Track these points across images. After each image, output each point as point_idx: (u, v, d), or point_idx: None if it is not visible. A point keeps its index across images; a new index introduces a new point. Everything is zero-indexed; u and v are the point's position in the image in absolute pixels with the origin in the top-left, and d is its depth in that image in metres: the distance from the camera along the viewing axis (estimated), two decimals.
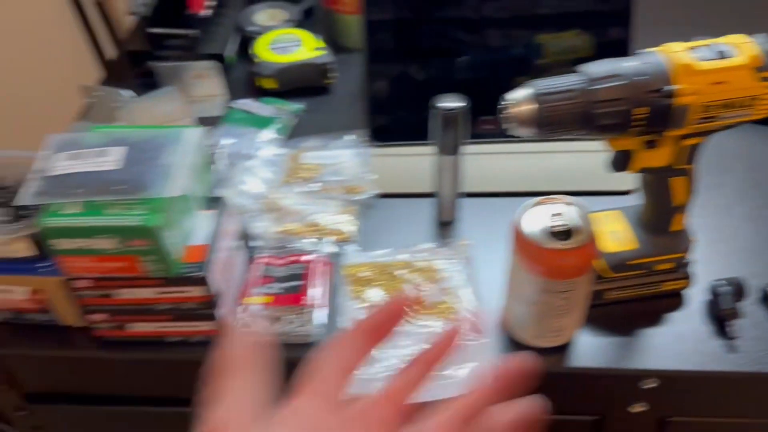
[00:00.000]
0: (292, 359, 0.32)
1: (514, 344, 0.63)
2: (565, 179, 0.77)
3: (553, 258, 0.55)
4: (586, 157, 0.79)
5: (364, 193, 0.77)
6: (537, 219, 0.56)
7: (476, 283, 0.68)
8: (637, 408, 0.66)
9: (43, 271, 0.61)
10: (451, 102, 0.66)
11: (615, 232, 0.65)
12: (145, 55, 0.93)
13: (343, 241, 0.73)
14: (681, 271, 0.65)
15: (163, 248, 0.57)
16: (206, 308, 0.62)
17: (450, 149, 0.68)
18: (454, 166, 0.70)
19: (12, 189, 0.61)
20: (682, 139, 0.55)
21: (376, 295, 0.67)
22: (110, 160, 0.59)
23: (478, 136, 0.75)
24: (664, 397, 0.64)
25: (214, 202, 0.66)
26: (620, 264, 0.63)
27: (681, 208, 0.61)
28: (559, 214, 0.56)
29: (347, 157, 0.81)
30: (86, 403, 0.72)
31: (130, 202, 0.57)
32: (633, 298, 0.66)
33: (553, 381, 0.64)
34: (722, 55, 0.51)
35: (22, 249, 0.60)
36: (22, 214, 0.60)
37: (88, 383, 0.71)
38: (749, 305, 0.65)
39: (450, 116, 0.66)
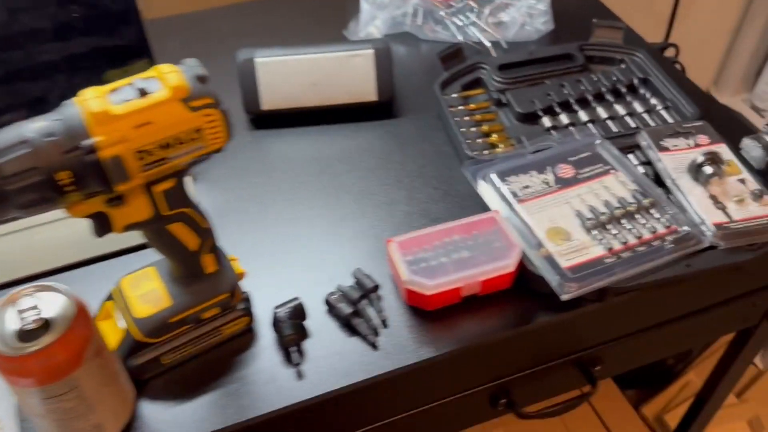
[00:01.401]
0: None
1: None
2: (87, 245, 0.68)
3: (30, 364, 0.46)
4: None
5: None
6: (8, 323, 0.46)
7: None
8: None
9: None
10: None
11: (148, 293, 0.58)
12: None
13: None
14: (237, 311, 0.61)
15: None
16: None
17: None
18: None
19: None
20: (149, 187, 0.49)
21: None
22: None
23: None
24: None
25: None
26: (159, 327, 0.56)
27: (202, 251, 0.56)
28: (32, 308, 0.47)
29: None
30: None
31: None
32: (199, 353, 0.60)
33: None
34: (143, 93, 0.46)
35: None
36: None
37: None
38: (316, 321, 0.63)
39: None
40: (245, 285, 0.65)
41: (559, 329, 0.67)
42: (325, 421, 0.62)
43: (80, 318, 0.48)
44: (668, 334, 0.77)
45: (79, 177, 0.44)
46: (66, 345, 0.46)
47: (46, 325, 0.46)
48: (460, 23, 0.96)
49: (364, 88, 0.83)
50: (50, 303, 0.48)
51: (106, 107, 0.44)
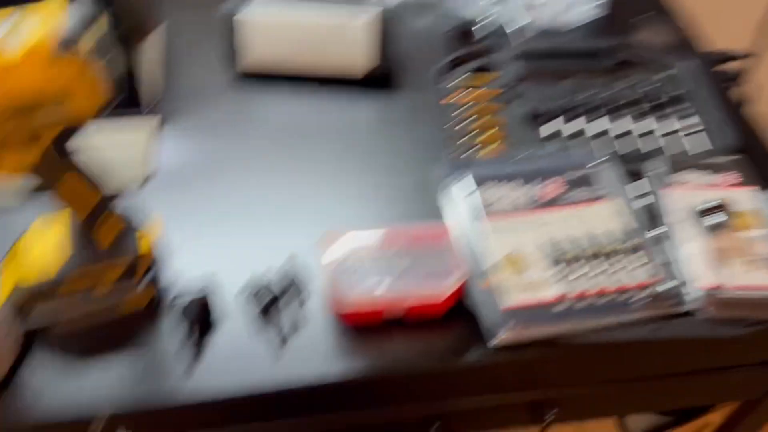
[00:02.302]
0: None
1: None
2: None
3: None
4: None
5: None
6: None
7: None
8: None
9: None
10: None
11: (48, 250, 0.54)
12: None
13: None
14: (139, 284, 0.56)
15: None
16: None
17: None
18: None
19: None
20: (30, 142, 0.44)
21: None
22: None
23: None
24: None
25: None
26: (50, 289, 0.53)
27: (96, 220, 0.51)
28: None
29: None
30: None
31: None
32: (93, 321, 0.56)
33: None
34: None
35: None
36: None
37: None
38: (229, 311, 0.58)
39: None
40: (173, 253, 0.60)
41: (498, 369, 0.58)
42: (203, 419, 0.57)
43: None
44: (642, 392, 0.66)
45: None
46: None
47: None
48: (483, 1, 0.85)
49: (355, 59, 0.75)
50: None
51: None
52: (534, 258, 0.56)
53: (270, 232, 0.64)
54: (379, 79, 0.76)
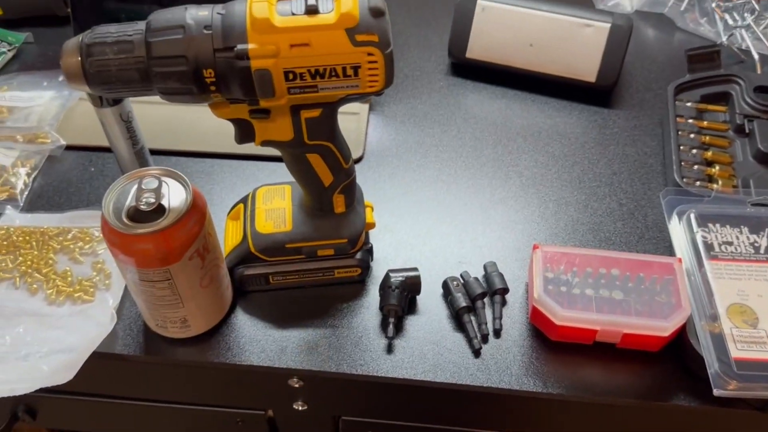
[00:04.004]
0: None
1: (147, 332, 0.56)
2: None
3: (131, 244, 0.46)
4: None
5: (48, 144, 0.67)
6: (123, 197, 0.47)
7: None
8: (300, 405, 0.59)
9: None
10: None
11: (275, 210, 0.56)
12: None
13: (8, 198, 0.64)
14: (353, 259, 0.57)
15: None
16: None
17: (100, 100, 0.58)
18: (118, 119, 0.59)
19: None
20: (297, 110, 0.46)
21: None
22: None
23: None
24: (319, 396, 0.58)
25: None
26: (273, 247, 0.55)
27: (335, 190, 0.53)
28: (151, 191, 0.47)
29: (45, 100, 0.71)
30: None
31: None
32: (305, 285, 0.58)
33: (193, 373, 0.57)
34: (311, 11, 0.41)
35: None
36: None
37: None
38: (428, 301, 0.58)
39: None
40: (374, 235, 0.61)
41: (699, 419, 0.55)
42: (395, 403, 0.58)
43: (192, 216, 0.47)
44: None
45: (222, 80, 0.42)
46: (168, 238, 0.46)
47: (159, 211, 0.46)
48: (731, 22, 0.79)
49: (585, 66, 0.72)
50: (172, 191, 0.47)
51: (270, 15, 0.41)
52: (764, 313, 0.52)
53: (467, 231, 0.63)
54: (601, 91, 0.73)
